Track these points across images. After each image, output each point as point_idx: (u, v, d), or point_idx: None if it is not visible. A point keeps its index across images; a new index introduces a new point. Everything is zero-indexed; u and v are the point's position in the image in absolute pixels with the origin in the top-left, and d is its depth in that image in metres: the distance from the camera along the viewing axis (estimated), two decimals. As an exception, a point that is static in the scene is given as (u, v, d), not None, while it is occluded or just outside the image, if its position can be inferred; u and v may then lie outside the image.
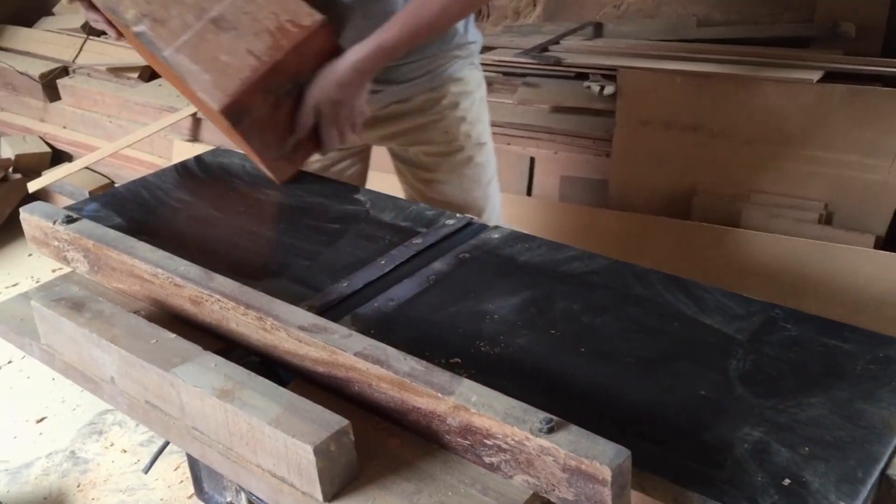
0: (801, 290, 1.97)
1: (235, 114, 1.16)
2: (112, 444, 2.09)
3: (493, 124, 2.42)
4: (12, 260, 3.02)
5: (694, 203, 2.15)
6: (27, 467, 2.04)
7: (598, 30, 2.63)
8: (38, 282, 2.86)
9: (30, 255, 3.04)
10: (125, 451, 2.06)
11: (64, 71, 3.37)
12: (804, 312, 0.96)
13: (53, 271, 2.89)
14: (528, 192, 2.43)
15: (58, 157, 3.37)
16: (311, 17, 1.20)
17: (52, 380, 2.30)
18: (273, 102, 1.21)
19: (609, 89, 2.25)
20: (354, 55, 1.25)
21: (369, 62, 1.27)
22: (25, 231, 1.21)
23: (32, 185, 3.03)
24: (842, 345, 0.90)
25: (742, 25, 2.42)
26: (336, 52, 1.25)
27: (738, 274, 2.05)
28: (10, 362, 2.42)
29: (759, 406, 0.82)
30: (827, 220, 2.02)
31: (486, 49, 2.59)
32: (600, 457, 0.68)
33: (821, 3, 2.28)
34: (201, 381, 0.82)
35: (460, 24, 1.50)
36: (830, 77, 2.03)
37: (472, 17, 1.55)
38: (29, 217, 1.18)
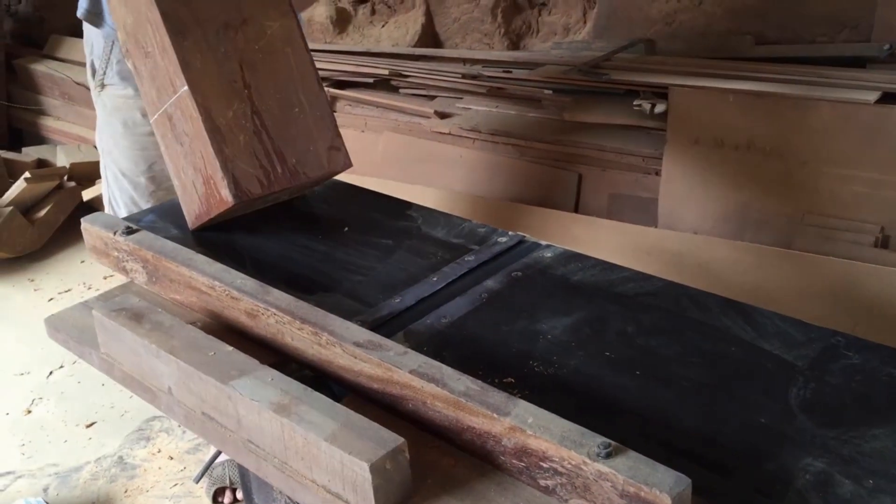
0: (855, 314, 1.93)
1: (237, 204, 1.20)
2: (159, 451, 2.11)
3: (541, 141, 2.43)
4: (66, 266, 3.09)
5: (746, 223, 2.12)
6: (76, 471, 2.08)
7: (648, 47, 2.61)
8: (89, 288, 2.91)
9: (82, 261, 3.10)
10: (172, 458, 2.08)
11: (119, 82, 3.44)
12: (866, 340, 0.94)
13: (105, 278, 2.94)
14: (576, 209, 2.42)
15: (111, 166, 3.44)
16: (345, 156, 1.30)
17: (101, 385, 2.34)
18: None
19: (660, 107, 2.24)
20: None
21: None
22: (86, 241, 1.23)
23: (86, 194, 3.10)
24: (907, 375, 0.88)
25: (797, 44, 2.39)
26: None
27: (791, 296, 2.01)
28: (61, 367, 2.46)
29: (821, 436, 0.80)
30: (883, 243, 1.98)
31: (535, 65, 2.60)
32: (660, 484, 0.67)
33: (878, 22, 2.24)
34: (258, 395, 0.82)
35: None
36: (887, 98, 1.99)
37: None
38: (90, 227, 1.21)
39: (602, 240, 2.29)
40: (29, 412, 2.29)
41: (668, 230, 2.20)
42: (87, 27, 1.70)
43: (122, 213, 1.75)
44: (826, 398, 0.86)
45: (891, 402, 0.84)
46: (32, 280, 3.00)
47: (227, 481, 1.88)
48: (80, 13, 1.68)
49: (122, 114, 1.68)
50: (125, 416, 2.24)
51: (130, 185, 1.72)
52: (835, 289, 1.96)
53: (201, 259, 1.08)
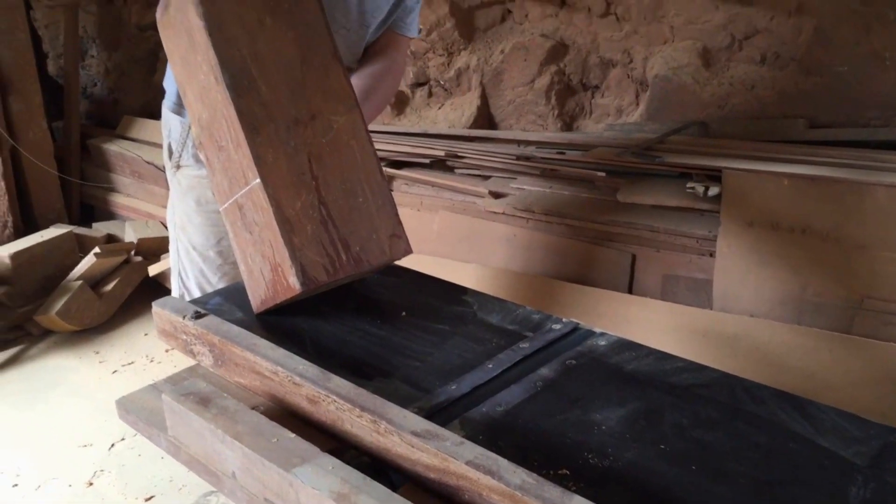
0: (919, 402, 1.89)
1: (303, 290, 1.23)
2: (214, 526, 2.14)
3: (594, 221, 2.46)
4: (130, 338, 3.18)
5: (803, 307, 2.10)
6: (133, 544, 2.11)
7: (702, 129, 2.64)
8: (152, 360, 2.99)
9: (146, 334, 3.19)
10: (226, 534, 2.10)
11: (186, 161, 3.59)
12: (927, 439, 0.93)
13: (167, 351, 3.02)
14: (630, 290, 2.42)
15: (176, 241, 3.56)
16: (405, 245, 1.35)
17: (161, 458, 2.38)
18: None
19: (713, 190, 2.25)
20: None
21: None
22: (156, 324, 1.29)
23: (152, 269, 3.21)
24: (970, 476, 0.87)
25: (850, 128, 2.40)
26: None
27: (849, 382, 1.97)
28: (122, 439, 2.52)
29: (881, 538, 0.80)
30: (946, 329, 1.94)
31: (588, 146, 2.65)
32: (716, 587, 0.67)
33: (934, 106, 2.24)
34: (319, 484, 0.85)
35: None
36: (947, 182, 1.98)
37: None
38: (160, 311, 1.26)
39: (656, 321, 2.28)
40: (91, 484, 2.34)
41: (724, 312, 2.19)
42: (166, 113, 1.80)
43: (192, 285, 1.83)
44: (887, 498, 0.85)
45: (953, 505, 0.83)
46: (98, 352, 3.10)
47: None
48: (167, 105, 1.80)
49: (195, 192, 1.77)
50: (183, 490, 2.28)
51: (200, 258, 1.80)
52: (894, 375, 1.92)
53: (265, 344, 1.12)
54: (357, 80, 1.68)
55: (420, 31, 1.78)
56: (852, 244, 2.03)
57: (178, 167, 1.80)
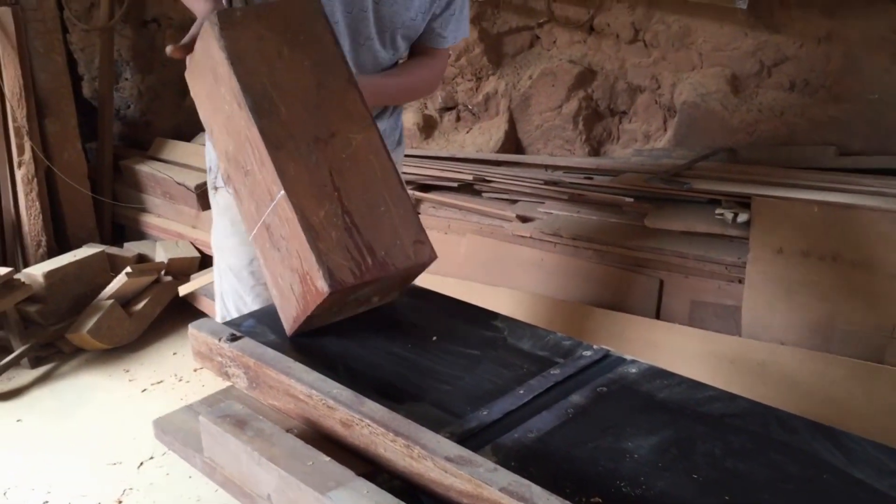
0: (953, 433, 1.86)
1: (327, 297, 1.22)
2: (241, 547, 2.15)
3: (622, 246, 2.46)
4: (159, 357, 3.22)
5: (833, 335, 2.09)
6: (161, 563, 2.13)
7: (731, 155, 2.64)
8: (181, 380, 3.03)
9: (174, 353, 3.23)
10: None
11: (216, 183, 3.63)
12: (964, 472, 0.93)
13: (195, 370, 3.05)
14: (657, 315, 2.42)
15: (206, 261, 3.60)
16: (430, 250, 1.34)
17: (189, 477, 2.40)
18: (350, 298, 1.32)
19: (742, 216, 2.25)
20: None
21: None
22: (192, 346, 1.31)
23: (183, 289, 3.25)
24: None
25: (882, 156, 2.39)
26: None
27: (880, 412, 1.96)
28: (151, 458, 2.54)
29: (918, 573, 0.79)
30: (980, 359, 1.92)
31: (615, 172, 2.66)
32: None
33: (967, 134, 2.23)
34: (354, 507, 0.86)
35: None
36: (980, 211, 1.97)
37: None
38: (196, 333, 1.28)
39: (683, 347, 2.28)
40: (120, 502, 2.37)
41: (752, 339, 2.18)
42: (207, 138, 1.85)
43: (230, 306, 1.85)
44: (922, 532, 0.84)
45: None
46: (127, 371, 3.14)
47: None
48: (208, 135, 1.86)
49: (231, 212, 1.80)
50: (210, 510, 2.30)
51: (235, 278, 1.83)
52: (930, 406, 1.90)
53: (299, 367, 1.14)
54: (392, 71, 1.76)
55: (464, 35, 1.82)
56: (884, 273, 2.02)
57: (216, 188, 1.84)
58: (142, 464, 2.53)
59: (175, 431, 1.16)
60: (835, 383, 2.02)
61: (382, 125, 1.80)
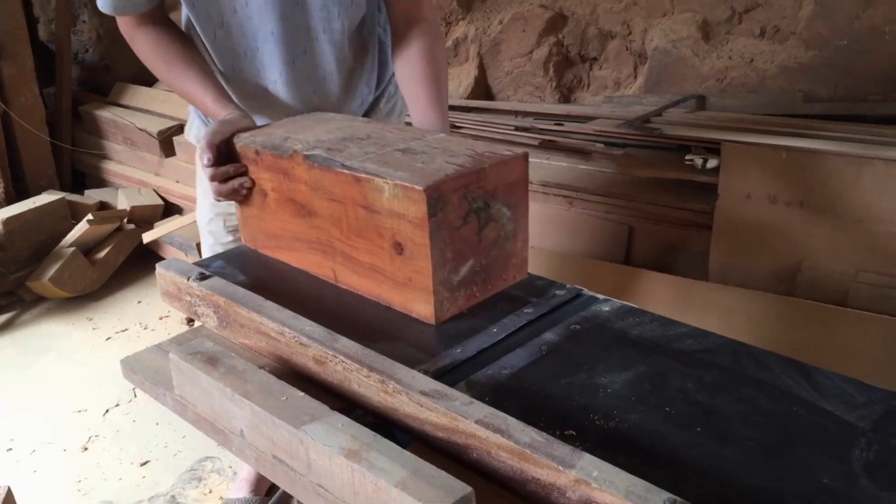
0: (912, 374, 1.91)
1: (434, 199, 1.09)
2: (210, 492, 2.15)
3: (592, 193, 2.46)
4: (123, 306, 3.18)
5: (798, 280, 2.12)
6: (130, 509, 2.12)
7: (700, 102, 2.64)
8: (146, 328, 2.99)
9: (139, 301, 3.19)
10: (222, 499, 2.12)
11: (180, 128, 3.57)
12: (930, 403, 0.94)
13: (161, 318, 3.02)
14: (626, 262, 2.43)
15: (170, 209, 3.55)
16: (511, 151, 1.23)
17: (156, 424, 2.39)
18: (465, 213, 1.15)
19: (711, 162, 2.26)
20: None
21: None
22: (160, 286, 1.29)
23: (146, 236, 3.20)
24: (972, 440, 0.88)
25: (850, 102, 2.40)
26: (526, 183, 1.26)
27: (843, 354, 1.99)
28: (117, 405, 2.52)
29: (886, 499, 0.81)
30: (940, 302, 1.96)
31: (586, 118, 2.64)
32: (727, 541, 0.68)
33: (934, 81, 2.25)
34: (329, 441, 0.85)
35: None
36: (944, 157, 1.99)
37: None
38: (164, 272, 1.26)
39: (652, 292, 2.30)
40: (86, 449, 2.35)
41: (719, 284, 2.20)
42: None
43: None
44: (890, 461, 0.86)
45: (956, 467, 0.84)
46: (91, 319, 3.09)
47: None
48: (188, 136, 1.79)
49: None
50: (178, 456, 2.29)
51: (202, 232, 1.79)
52: (889, 347, 1.94)
53: (271, 305, 1.12)
54: (411, 69, 1.51)
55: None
56: (849, 218, 2.04)
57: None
58: (107, 411, 2.51)
59: (144, 370, 1.14)
60: (799, 327, 2.05)
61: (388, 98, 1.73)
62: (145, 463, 2.28)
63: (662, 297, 2.26)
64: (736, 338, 1.11)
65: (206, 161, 1.33)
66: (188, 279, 1.21)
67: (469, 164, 1.16)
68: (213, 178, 1.35)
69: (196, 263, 1.38)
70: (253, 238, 1.44)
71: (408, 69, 1.52)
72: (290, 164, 1.27)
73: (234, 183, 1.35)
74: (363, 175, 1.15)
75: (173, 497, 2.14)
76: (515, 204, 1.24)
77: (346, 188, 1.19)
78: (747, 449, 0.89)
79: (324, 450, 0.85)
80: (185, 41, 1.52)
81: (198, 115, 1.71)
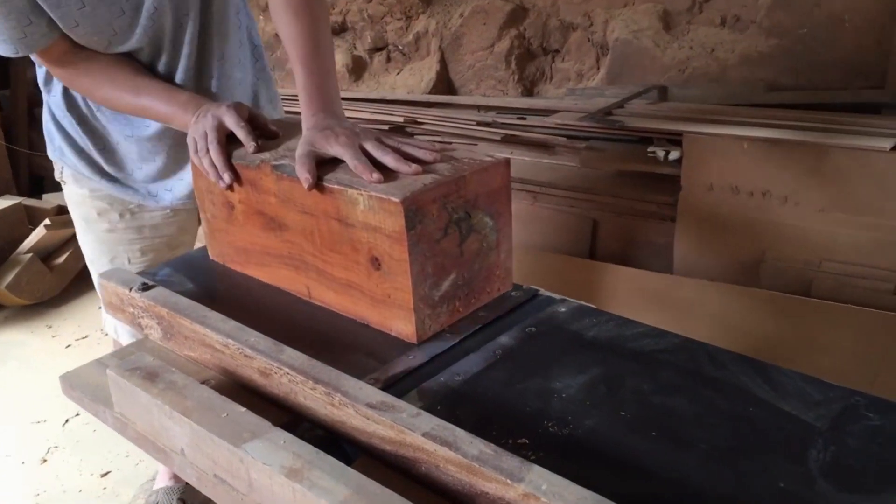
0: (875, 363, 1.91)
1: (412, 212, 1.02)
2: (173, 501, 2.10)
3: (556, 186, 2.44)
4: (83, 312, 3.11)
5: (762, 270, 2.11)
6: (90, 522, 2.07)
7: (662, 93, 2.63)
8: (107, 335, 2.92)
9: (99, 307, 3.11)
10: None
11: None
12: (887, 400, 0.93)
13: (130, 328, 2.95)
14: (591, 256, 2.42)
15: (130, 212, 3.47)
16: (492, 157, 1.16)
17: (117, 433, 2.33)
18: (444, 224, 1.08)
19: (674, 154, 2.24)
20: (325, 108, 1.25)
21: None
22: (102, 296, 1.24)
23: (105, 240, 3.12)
24: (929, 437, 0.86)
25: (811, 91, 2.40)
26: (509, 190, 1.18)
27: (808, 345, 1.99)
28: (77, 415, 2.46)
29: (842, 501, 0.79)
30: (902, 290, 1.96)
31: (548, 112, 2.62)
32: (677, 556, 0.66)
33: (892, 69, 2.25)
34: (270, 459, 0.82)
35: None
36: (904, 144, 1.99)
37: None
38: (106, 283, 1.21)
39: (617, 286, 2.28)
40: (45, 461, 2.29)
41: (683, 277, 2.19)
42: (47, 120, 1.61)
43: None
44: (846, 461, 0.84)
45: (913, 467, 0.83)
46: (50, 326, 3.02)
47: None
48: (52, 107, 1.59)
49: (81, 210, 1.64)
50: (139, 465, 2.24)
51: (95, 275, 1.67)
52: (854, 336, 1.94)
53: (215, 316, 1.09)
54: (291, 30, 1.33)
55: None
56: (811, 207, 2.04)
57: (63, 182, 1.64)
58: (67, 421, 2.45)
59: (84, 387, 1.10)
60: (764, 318, 2.04)
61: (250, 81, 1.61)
62: (106, 474, 2.23)
63: (627, 291, 2.24)
64: (700, 330, 1.09)
65: (240, 123, 1.23)
66: (130, 290, 1.17)
67: (448, 171, 1.09)
68: (246, 137, 1.22)
69: (142, 273, 1.34)
70: (221, 253, 1.37)
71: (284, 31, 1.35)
72: (258, 174, 1.20)
73: (222, 167, 1.23)
74: (335, 186, 1.09)
75: (135, 508, 2.09)
76: (498, 213, 1.17)
77: (318, 200, 1.13)
78: (703, 453, 0.87)
79: (264, 469, 0.82)
80: (115, 57, 1.40)
81: (58, 130, 1.57)
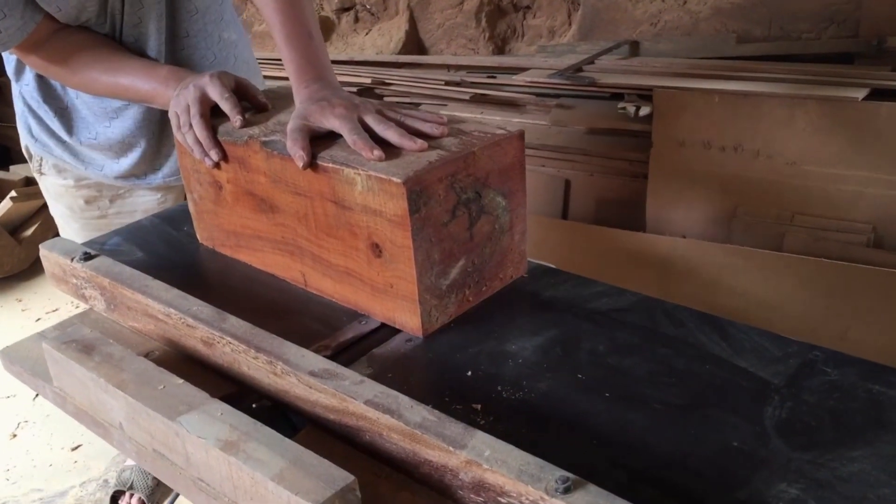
0: (848, 316, 1.89)
1: (416, 193, 0.92)
2: (144, 473, 2.08)
3: (528, 146, 2.39)
4: (52, 285, 3.06)
5: (734, 226, 2.09)
6: (61, 496, 2.05)
7: (633, 48, 2.58)
8: (77, 307, 2.88)
9: (70, 280, 3.07)
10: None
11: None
12: (846, 355, 0.90)
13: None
14: (564, 216, 2.38)
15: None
16: (504, 130, 1.05)
17: (86, 407, 2.31)
18: (452, 206, 0.98)
19: (645, 110, 2.20)
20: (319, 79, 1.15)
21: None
22: (45, 268, 1.20)
23: (72, 212, 3.07)
24: (887, 391, 0.84)
25: (783, 41, 2.35)
26: (523, 166, 1.08)
27: (781, 299, 1.97)
28: (46, 389, 2.43)
29: (796, 460, 0.76)
30: (875, 242, 1.94)
31: (519, 70, 2.57)
32: (619, 521, 0.63)
33: (865, 18, 2.20)
34: (206, 432, 0.79)
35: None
36: (876, 94, 1.95)
37: None
38: (48, 254, 1.17)
39: (590, 245, 2.25)
40: (14, 436, 2.26)
41: (656, 234, 2.16)
42: (20, 106, 1.53)
43: None
44: (802, 418, 0.82)
45: (869, 422, 0.80)
46: (20, 300, 2.98)
47: (129, 486, 1.90)
48: (24, 96, 1.51)
49: (66, 200, 1.57)
50: (110, 439, 2.21)
51: None
52: (827, 290, 1.92)
53: (158, 285, 1.05)
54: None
55: None
56: (783, 160, 2.00)
57: (41, 174, 1.57)
58: (37, 395, 2.41)
59: (23, 361, 1.06)
60: (737, 274, 2.02)
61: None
62: (77, 447, 2.21)
63: (600, 250, 2.22)
64: (672, 287, 1.06)
65: (224, 94, 1.14)
66: (73, 259, 1.13)
67: (455, 147, 0.98)
68: (232, 109, 1.14)
69: (89, 242, 1.30)
70: (210, 237, 1.28)
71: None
72: (246, 151, 1.10)
73: (207, 144, 1.15)
74: (330, 165, 0.99)
75: (106, 481, 2.07)
76: (511, 191, 1.06)
77: (312, 180, 1.03)
78: (655, 413, 0.85)
79: (200, 442, 0.79)
80: (88, 38, 1.32)
81: (36, 120, 1.50)
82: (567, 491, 0.67)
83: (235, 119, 1.12)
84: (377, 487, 0.79)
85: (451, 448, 0.73)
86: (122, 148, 1.46)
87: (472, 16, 2.92)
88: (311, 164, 1.00)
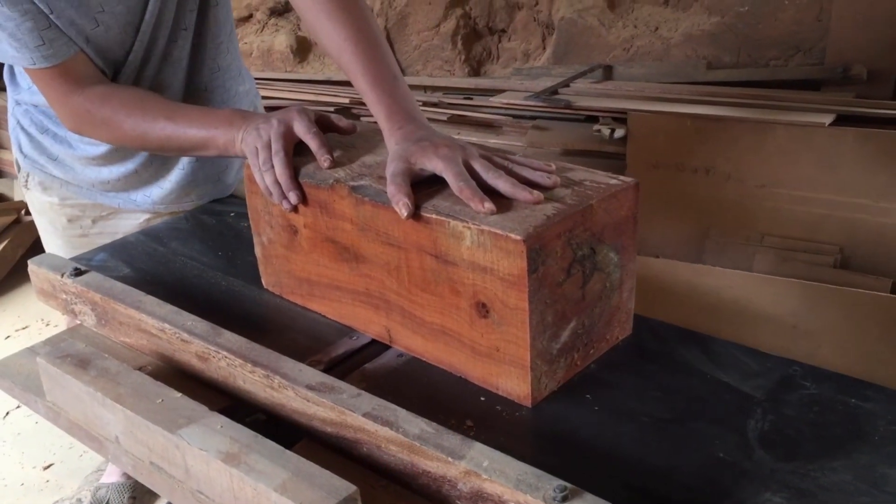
0: (817, 336, 1.95)
1: (536, 251, 0.84)
2: (118, 492, 2.06)
3: (503, 167, 2.43)
4: (23, 302, 3.03)
5: (706, 246, 2.14)
6: (33, 515, 2.02)
7: (607, 72, 2.63)
8: (48, 324, 2.86)
9: (40, 297, 3.04)
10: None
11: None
12: (823, 369, 0.94)
13: (64, 315, 2.88)
14: (539, 235, 2.42)
15: (70, 198, 3.38)
16: (619, 179, 0.98)
17: (59, 425, 2.28)
18: (568, 264, 0.90)
19: (619, 132, 2.25)
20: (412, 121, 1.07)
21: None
22: (34, 283, 1.21)
23: (44, 228, 3.04)
24: (863, 404, 0.88)
25: (752, 68, 2.42)
26: (636, 219, 0.99)
27: (751, 319, 2.02)
28: (18, 407, 2.40)
29: (780, 470, 0.80)
30: (842, 264, 2.00)
31: (495, 92, 2.61)
32: (616, 528, 0.66)
33: (831, 45, 2.28)
34: (207, 444, 0.80)
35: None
36: (842, 120, 2.02)
37: None
38: (37, 269, 1.18)
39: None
40: (-16, 455, 2.23)
41: (631, 254, 2.20)
42: (12, 121, 1.53)
43: None
44: (784, 430, 0.85)
45: (848, 434, 0.84)
46: (-12, 317, 2.94)
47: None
48: (16, 111, 1.51)
49: (48, 216, 1.56)
50: (84, 457, 2.19)
51: None
52: (795, 311, 1.97)
53: (151, 300, 1.06)
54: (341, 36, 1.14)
55: None
56: (753, 183, 2.06)
57: (27, 188, 1.56)
58: (8, 413, 2.39)
59: (14, 375, 1.06)
60: (708, 293, 2.07)
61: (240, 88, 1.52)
62: (49, 466, 2.18)
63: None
64: (644, 307, 1.08)
65: (311, 129, 1.08)
66: (62, 275, 1.13)
67: (571, 199, 0.90)
68: (320, 148, 1.06)
69: (76, 258, 1.30)
70: (277, 282, 1.19)
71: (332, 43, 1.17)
72: (331, 196, 1.02)
73: (287, 185, 1.06)
74: (433, 216, 0.90)
75: (79, 500, 2.04)
76: (623, 247, 0.97)
77: (410, 231, 0.94)
78: (643, 425, 0.87)
79: (201, 454, 0.80)
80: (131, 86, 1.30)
81: (26, 136, 1.48)
82: (565, 500, 0.69)
83: (324, 159, 1.04)
84: (376, 499, 0.80)
85: (449, 459, 0.76)
86: (117, 159, 1.45)
87: (448, 38, 2.96)
88: (415, 213, 0.92)
